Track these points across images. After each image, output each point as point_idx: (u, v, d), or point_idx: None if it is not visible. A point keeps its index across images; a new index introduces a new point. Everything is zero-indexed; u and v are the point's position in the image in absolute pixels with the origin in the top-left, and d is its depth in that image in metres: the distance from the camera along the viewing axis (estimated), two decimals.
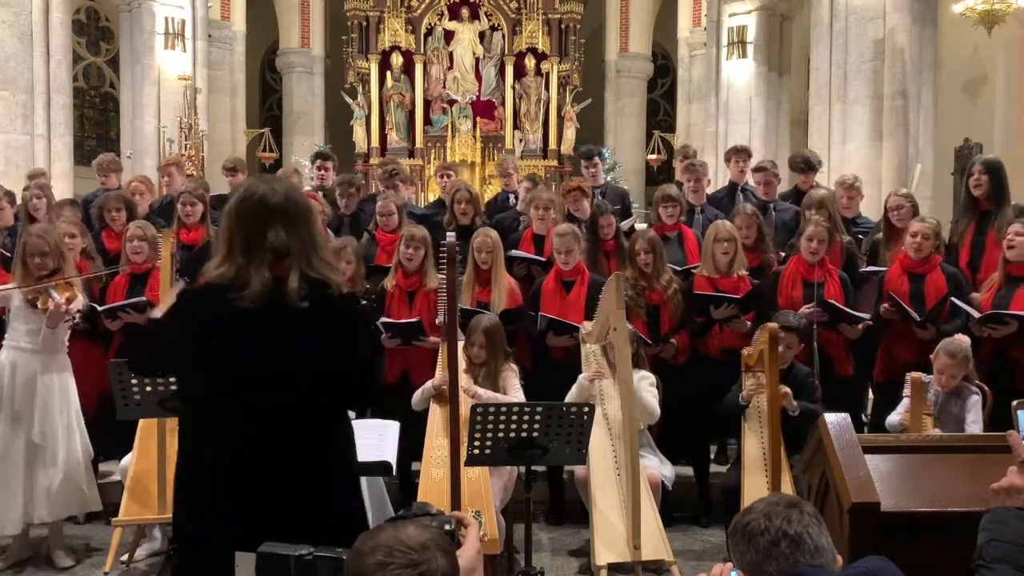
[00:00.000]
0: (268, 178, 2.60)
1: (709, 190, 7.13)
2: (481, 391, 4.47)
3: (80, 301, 4.67)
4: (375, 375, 2.63)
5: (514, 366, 4.70)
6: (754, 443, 4.37)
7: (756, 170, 6.68)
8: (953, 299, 4.92)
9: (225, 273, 2.34)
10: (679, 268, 5.58)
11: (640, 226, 6.57)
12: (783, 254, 5.74)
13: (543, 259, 5.69)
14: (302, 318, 2.32)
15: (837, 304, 5.01)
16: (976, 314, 4.75)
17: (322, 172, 7.79)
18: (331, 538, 1.92)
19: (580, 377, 4.67)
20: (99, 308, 5.11)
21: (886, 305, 5.00)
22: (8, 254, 5.55)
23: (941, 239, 5.23)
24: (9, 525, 4.42)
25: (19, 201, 6.33)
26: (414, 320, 5.10)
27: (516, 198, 7.23)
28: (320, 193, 7.40)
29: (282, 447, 2.34)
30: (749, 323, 5.15)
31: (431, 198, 11.18)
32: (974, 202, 5.37)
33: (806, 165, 6.80)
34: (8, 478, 4.39)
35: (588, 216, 6.01)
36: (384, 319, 5.12)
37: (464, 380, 4.37)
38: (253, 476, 2.32)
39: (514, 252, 5.67)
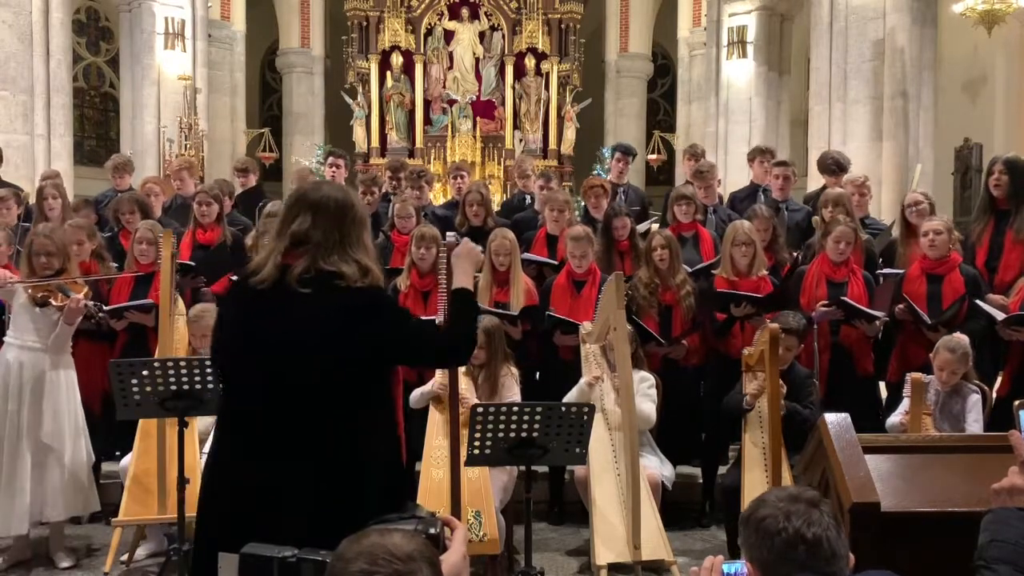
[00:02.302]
0: (327, 182, 2.70)
1: (720, 190, 7.13)
2: (472, 401, 4.45)
3: (91, 300, 4.68)
4: (449, 334, 2.63)
5: (514, 369, 4.69)
6: (755, 444, 4.37)
7: (778, 164, 6.64)
8: (975, 300, 4.88)
9: (257, 260, 2.46)
10: (689, 269, 5.59)
11: (655, 226, 6.58)
12: (796, 255, 5.74)
13: (555, 262, 5.70)
14: (299, 302, 2.34)
15: (851, 302, 4.99)
16: (1000, 316, 4.70)
17: (334, 170, 7.78)
18: (331, 528, 1.94)
19: (580, 381, 4.67)
20: (105, 308, 5.12)
21: (900, 307, 4.99)
22: (19, 249, 5.57)
23: (956, 235, 5.18)
24: (17, 524, 4.42)
25: (30, 201, 6.35)
26: (432, 319, 5.10)
27: (532, 199, 7.22)
28: None
29: (283, 430, 2.33)
30: (768, 321, 5.15)
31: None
32: (993, 201, 5.29)
33: (836, 167, 6.70)
34: (16, 477, 4.38)
35: (603, 216, 6.01)
36: None
37: (463, 384, 4.36)
38: (261, 463, 2.33)
39: (525, 255, 5.67)
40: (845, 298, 4.99)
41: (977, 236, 5.34)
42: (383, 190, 7.07)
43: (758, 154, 7.16)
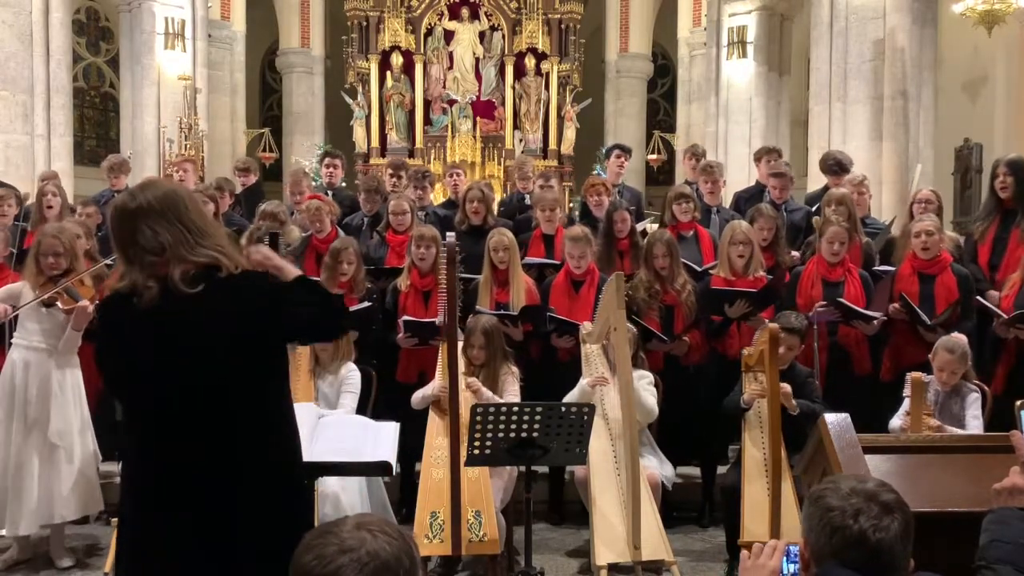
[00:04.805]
0: (132, 188, 2.60)
1: (724, 190, 7.12)
2: (485, 390, 4.47)
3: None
4: (333, 304, 2.57)
5: (514, 368, 4.69)
6: (755, 444, 4.36)
7: (775, 175, 6.62)
8: (979, 298, 4.90)
9: (126, 285, 2.37)
10: (698, 268, 5.57)
11: (652, 227, 6.57)
12: (794, 255, 5.74)
13: (557, 262, 5.69)
14: (196, 302, 2.30)
15: (847, 303, 4.99)
16: (1004, 315, 4.72)
17: (330, 170, 7.78)
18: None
19: (581, 381, 4.66)
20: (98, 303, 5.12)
21: (896, 305, 4.98)
22: (13, 251, 5.57)
23: (947, 235, 5.20)
24: (24, 525, 4.41)
25: (29, 201, 6.36)
26: (434, 320, 5.11)
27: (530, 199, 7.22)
28: (328, 192, 7.41)
29: (212, 436, 2.31)
30: (767, 321, 5.14)
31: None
32: (999, 203, 5.33)
33: (838, 167, 6.69)
34: (24, 478, 4.38)
35: (604, 214, 5.99)
36: (405, 317, 5.12)
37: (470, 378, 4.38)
38: (191, 473, 2.31)
39: (525, 260, 5.65)
40: (841, 299, 4.99)
41: (980, 234, 5.37)
42: (384, 194, 7.06)
43: (764, 154, 7.16)
